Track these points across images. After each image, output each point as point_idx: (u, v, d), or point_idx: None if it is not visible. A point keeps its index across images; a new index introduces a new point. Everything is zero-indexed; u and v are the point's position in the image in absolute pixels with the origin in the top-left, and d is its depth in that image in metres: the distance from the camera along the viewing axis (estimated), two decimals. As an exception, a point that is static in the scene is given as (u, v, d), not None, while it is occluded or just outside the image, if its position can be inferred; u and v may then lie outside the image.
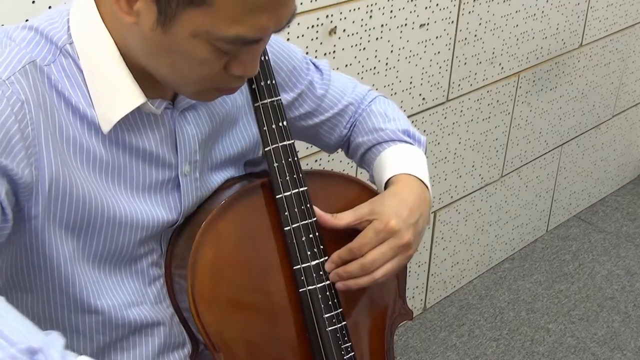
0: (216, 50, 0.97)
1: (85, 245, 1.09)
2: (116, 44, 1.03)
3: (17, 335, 0.81)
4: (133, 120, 1.07)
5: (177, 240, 1.17)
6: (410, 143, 1.34)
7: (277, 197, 1.16)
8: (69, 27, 1.03)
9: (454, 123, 2.47)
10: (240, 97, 1.23)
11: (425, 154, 1.35)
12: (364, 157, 1.37)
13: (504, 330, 2.66)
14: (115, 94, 1.03)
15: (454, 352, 2.54)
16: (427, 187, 1.27)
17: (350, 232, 1.20)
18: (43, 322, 1.11)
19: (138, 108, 1.05)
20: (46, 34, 1.03)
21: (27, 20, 1.06)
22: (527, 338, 2.63)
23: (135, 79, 1.04)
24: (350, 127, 1.38)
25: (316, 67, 1.35)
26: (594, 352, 2.58)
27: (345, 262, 1.18)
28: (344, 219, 1.19)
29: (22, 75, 0.98)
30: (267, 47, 1.24)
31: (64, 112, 1.02)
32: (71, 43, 1.03)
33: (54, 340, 0.83)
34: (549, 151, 2.97)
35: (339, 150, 1.45)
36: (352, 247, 1.17)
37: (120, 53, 1.03)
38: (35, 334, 0.83)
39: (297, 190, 1.16)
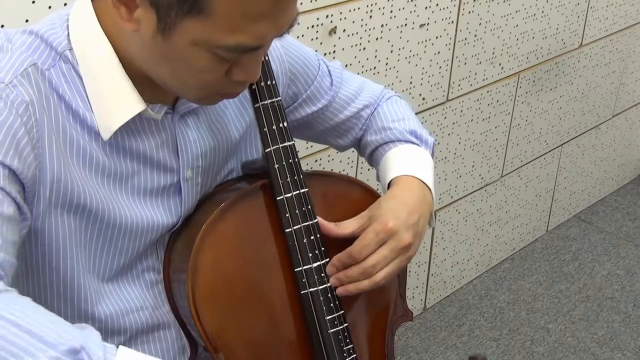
0: (217, 57, 0.96)
1: (85, 251, 1.08)
2: (115, 50, 1.02)
3: (54, 336, 0.81)
4: (133, 125, 1.07)
5: (175, 243, 1.17)
6: (417, 144, 1.33)
7: (278, 198, 1.15)
8: (68, 32, 1.02)
9: (454, 123, 2.46)
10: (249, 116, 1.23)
11: (433, 155, 1.34)
12: (372, 156, 1.37)
13: (504, 330, 2.65)
14: (114, 101, 1.03)
15: (454, 352, 2.54)
16: (429, 188, 1.27)
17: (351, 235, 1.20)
18: None
19: (138, 114, 1.05)
20: (46, 38, 1.02)
21: (27, 21, 1.05)
22: (527, 338, 2.62)
23: (135, 85, 1.03)
24: (366, 129, 1.38)
25: (329, 70, 1.33)
26: (594, 352, 2.57)
27: (345, 266, 1.17)
28: (348, 227, 1.19)
29: (24, 78, 0.98)
30: (281, 47, 1.24)
31: (65, 115, 1.02)
32: (70, 49, 1.02)
33: (91, 334, 0.83)
34: (549, 151, 2.96)
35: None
36: (353, 251, 1.16)
37: (120, 59, 1.02)
38: (72, 331, 0.82)
39: (297, 191, 1.16)
